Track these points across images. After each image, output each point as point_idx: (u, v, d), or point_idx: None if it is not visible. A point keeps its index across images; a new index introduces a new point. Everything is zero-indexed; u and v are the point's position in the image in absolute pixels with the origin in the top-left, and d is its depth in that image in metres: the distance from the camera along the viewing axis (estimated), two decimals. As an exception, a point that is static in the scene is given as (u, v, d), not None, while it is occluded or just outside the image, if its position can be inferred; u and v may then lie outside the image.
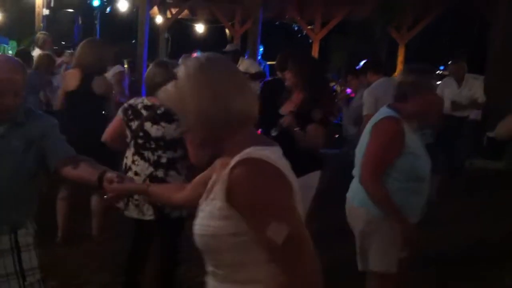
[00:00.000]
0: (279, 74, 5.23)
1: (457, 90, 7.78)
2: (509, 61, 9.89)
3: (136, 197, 3.40)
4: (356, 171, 3.20)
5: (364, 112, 5.36)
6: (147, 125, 3.42)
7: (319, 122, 3.91)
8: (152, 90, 3.43)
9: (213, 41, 19.30)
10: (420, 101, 3.01)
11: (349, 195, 3.25)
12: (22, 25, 12.98)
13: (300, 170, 3.89)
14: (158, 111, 3.42)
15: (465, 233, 5.64)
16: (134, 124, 3.46)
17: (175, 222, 3.50)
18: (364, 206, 3.06)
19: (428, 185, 3.09)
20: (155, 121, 3.42)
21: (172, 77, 3.56)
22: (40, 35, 8.66)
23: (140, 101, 3.52)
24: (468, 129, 8.20)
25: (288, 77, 4.17)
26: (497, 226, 5.67)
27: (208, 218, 1.61)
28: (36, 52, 8.21)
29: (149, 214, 3.45)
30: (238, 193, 1.52)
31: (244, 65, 8.64)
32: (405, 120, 2.99)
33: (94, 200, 4.82)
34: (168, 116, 3.37)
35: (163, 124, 3.41)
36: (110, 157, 4.27)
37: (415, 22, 14.19)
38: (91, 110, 4.71)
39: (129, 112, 3.51)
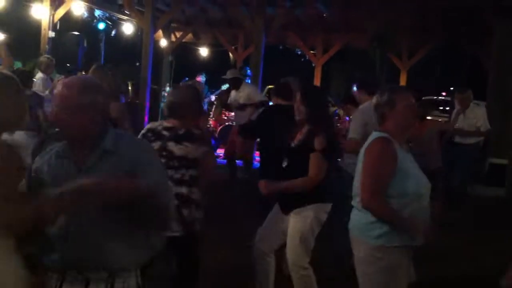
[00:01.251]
0: (277, 101, 5.18)
1: (463, 118, 7.88)
2: (508, 88, 9.98)
3: None
4: (355, 201, 3.20)
5: (349, 135, 5.16)
6: (170, 145, 3.57)
7: (320, 151, 3.92)
8: (168, 111, 3.66)
9: (217, 64, 19.41)
10: (398, 115, 3.06)
11: (350, 225, 3.25)
12: (27, 46, 13.11)
13: (300, 202, 3.96)
14: (180, 132, 3.60)
15: (466, 266, 5.63)
16: (157, 145, 3.56)
17: (196, 236, 3.68)
18: (363, 236, 3.07)
19: (427, 205, 3.09)
20: (178, 141, 3.57)
21: (188, 98, 3.68)
22: (43, 59, 8.74)
23: (158, 124, 3.70)
24: (469, 155, 8.26)
25: (299, 109, 4.09)
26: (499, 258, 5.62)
27: None
28: (39, 76, 8.31)
29: (177, 230, 3.53)
30: None
31: (246, 92, 8.63)
32: (395, 140, 3.04)
33: None
34: (189, 137, 3.59)
35: (185, 143, 3.58)
36: None
37: (414, 50, 14.36)
38: None
39: (149, 134, 3.65)
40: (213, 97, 13.77)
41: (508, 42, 10.15)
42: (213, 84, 14.97)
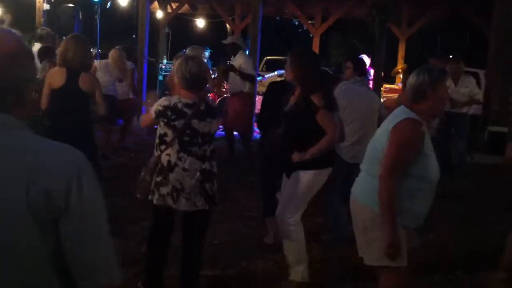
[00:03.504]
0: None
1: (454, 88, 7.86)
2: (508, 57, 9.90)
3: (187, 190, 3.56)
4: (365, 165, 3.23)
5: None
6: (194, 122, 3.57)
7: (323, 107, 3.97)
8: (187, 83, 3.60)
9: (214, 35, 19.27)
10: (436, 99, 3.08)
11: (354, 189, 3.29)
12: (22, 20, 12.94)
13: (309, 166, 4.01)
14: (201, 108, 3.61)
15: (465, 235, 5.64)
16: (180, 123, 3.54)
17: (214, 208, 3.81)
18: (371, 202, 3.09)
19: (434, 188, 3.13)
20: (201, 117, 3.59)
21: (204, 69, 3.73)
22: (43, 31, 8.60)
23: (177, 101, 3.59)
24: (467, 125, 8.27)
25: (286, 73, 4.28)
26: (498, 226, 5.64)
27: None
28: (36, 47, 8.18)
29: (201, 204, 3.63)
30: None
31: (239, 61, 8.52)
32: (424, 121, 3.04)
33: None
34: (211, 112, 3.65)
35: (208, 119, 3.62)
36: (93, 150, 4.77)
37: (413, 19, 14.22)
38: (78, 107, 4.77)
39: (169, 113, 3.56)
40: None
41: (508, 11, 10.05)
42: (212, 56, 14.85)
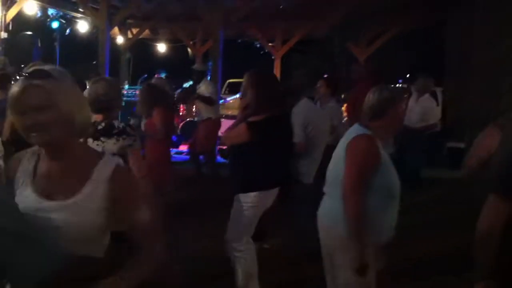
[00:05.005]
0: None
1: (412, 104, 8.05)
2: (464, 75, 10.19)
3: None
4: (328, 189, 3.26)
5: (296, 140, 5.00)
6: (89, 142, 3.43)
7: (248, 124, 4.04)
8: (91, 105, 3.49)
9: (176, 60, 19.28)
10: (395, 116, 3.15)
11: (320, 212, 3.29)
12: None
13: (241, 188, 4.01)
14: (99, 127, 3.49)
15: (424, 245, 5.73)
16: None
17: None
18: (336, 225, 3.09)
19: (397, 202, 3.16)
20: (95, 137, 3.46)
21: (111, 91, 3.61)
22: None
23: None
24: (422, 140, 8.42)
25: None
26: (456, 237, 5.75)
27: None
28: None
29: None
30: None
31: (203, 86, 8.78)
32: (378, 137, 3.09)
33: None
34: (107, 131, 3.48)
35: (102, 139, 3.47)
36: None
37: (373, 38, 14.53)
38: None
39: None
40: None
41: (462, 30, 10.37)
42: (173, 80, 14.84)
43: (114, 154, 3.39)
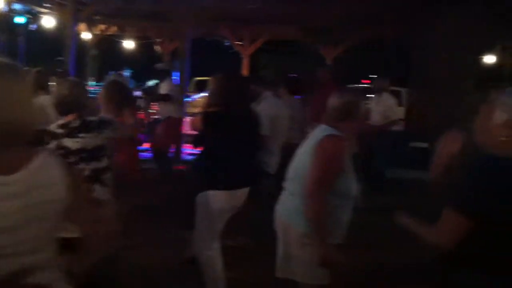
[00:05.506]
0: None
1: (373, 105, 8.22)
2: (427, 77, 10.40)
3: None
4: (289, 185, 3.29)
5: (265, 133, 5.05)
6: (65, 141, 3.38)
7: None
8: (60, 108, 3.47)
9: (143, 57, 19.12)
10: (360, 117, 3.25)
11: (280, 209, 3.33)
12: None
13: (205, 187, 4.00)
14: (74, 125, 3.41)
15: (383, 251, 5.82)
16: (53, 144, 3.39)
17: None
18: (293, 221, 3.15)
19: (352, 203, 3.23)
20: (71, 135, 3.39)
21: (79, 91, 3.55)
22: None
23: (53, 124, 3.46)
24: (389, 140, 8.56)
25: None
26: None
27: None
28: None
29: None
30: None
31: (164, 85, 8.94)
32: (345, 138, 3.16)
33: None
34: (84, 127, 3.41)
35: (80, 135, 3.39)
36: None
37: (341, 40, 14.69)
38: None
39: (45, 137, 3.43)
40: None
41: (430, 31, 10.55)
42: (140, 78, 14.75)
43: (102, 147, 3.43)
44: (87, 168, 3.38)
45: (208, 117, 4.05)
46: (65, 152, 3.36)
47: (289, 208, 3.24)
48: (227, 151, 4.03)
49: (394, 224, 2.60)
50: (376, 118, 8.20)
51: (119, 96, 5.63)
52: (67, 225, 1.84)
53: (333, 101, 3.27)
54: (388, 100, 8.47)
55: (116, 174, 3.65)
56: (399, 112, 8.55)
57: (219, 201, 4.02)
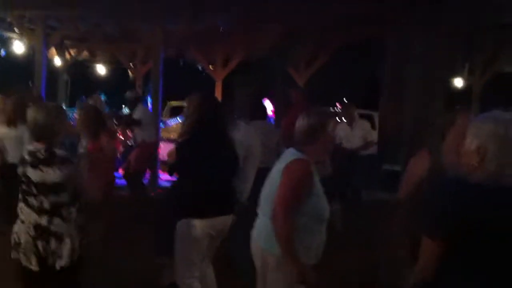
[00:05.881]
0: None
1: (350, 131, 8.33)
2: (399, 99, 10.52)
3: (22, 245, 3.35)
4: (262, 210, 3.30)
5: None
6: (29, 170, 3.35)
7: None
8: (33, 133, 3.44)
9: (115, 82, 19.04)
10: (327, 139, 3.27)
11: (254, 234, 3.35)
12: None
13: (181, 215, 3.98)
14: (40, 155, 3.36)
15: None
16: (20, 170, 3.40)
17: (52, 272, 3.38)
18: (267, 246, 3.18)
19: (325, 225, 3.24)
20: (34, 165, 3.34)
21: (54, 117, 3.51)
22: None
23: (27, 148, 3.47)
24: (363, 163, 8.67)
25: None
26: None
27: None
28: None
29: (34, 264, 3.35)
30: None
31: (136, 111, 9.05)
32: (312, 161, 3.17)
33: None
34: (48, 160, 3.34)
35: (42, 167, 3.33)
36: None
37: (311, 60, 14.80)
38: None
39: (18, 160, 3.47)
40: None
41: (400, 56, 10.71)
42: (113, 103, 14.65)
43: (57, 183, 3.32)
44: (45, 201, 3.34)
45: (182, 148, 4.02)
46: (27, 182, 3.34)
47: (262, 232, 3.26)
48: (203, 179, 4.00)
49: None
50: (355, 142, 8.34)
51: (96, 121, 5.64)
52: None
53: (299, 124, 3.29)
54: (364, 123, 8.64)
55: (90, 196, 3.60)
56: (375, 136, 8.74)
57: (195, 229, 3.97)
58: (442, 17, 8.39)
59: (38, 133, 3.42)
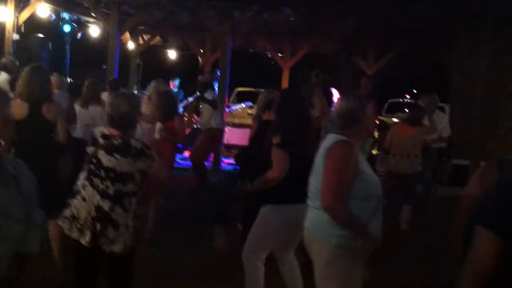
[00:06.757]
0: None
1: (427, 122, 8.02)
2: (468, 92, 10.24)
3: (80, 222, 3.38)
4: (312, 201, 3.24)
5: None
6: (101, 154, 3.38)
7: (278, 145, 4.04)
8: (113, 121, 3.47)
9: (186, 66, 19.38)
10: (367, 121, 3.19)
11: (308, 225, 3.28)
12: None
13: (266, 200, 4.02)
14: (115, 142, 3.40)
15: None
16: (90, 150, 3.44)
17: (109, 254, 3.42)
18: (324, 236, 3.10)
19: (381, 204, 3.17)
20: (108, 151, 3.38)
21: (135, 107, 3.59)
22: (6, 60, 8.61)
23: (100, 130, 3.52)
24: (433, 157, 8.42)
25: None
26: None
27: None
28: (2, 77, 8.15)
29: (87, 241, 3.38)
30: None
31: (209, 96, 9.29)
32: (355, 143, 3.13)
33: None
34: (123, 150, 3.37)
35: (116, 155, 3.37)
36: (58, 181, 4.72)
37: (380, 54, 14.60)
38: (43, 138, 4.67)
39: (89, 139, 3.53)
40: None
41: (469, 46, 10.42)
42: (183, 87, 14.93)
43: (131, 174, 3.38)
44: (111, 187, 3.37)
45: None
46: (97, 164, 3.39)
47: (317, 222, 3.18)
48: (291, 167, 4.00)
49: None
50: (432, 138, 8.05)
51: (172, 105, 5.83)
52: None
53: (337, 108, 3.23)
54: (442, 116, 8.33)
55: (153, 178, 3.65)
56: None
57: (276, 218, 4.04)
58: None
59: (116, 121, 3.45)
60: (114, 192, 3.37)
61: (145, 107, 6.12)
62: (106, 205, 3.36)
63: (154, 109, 5.82)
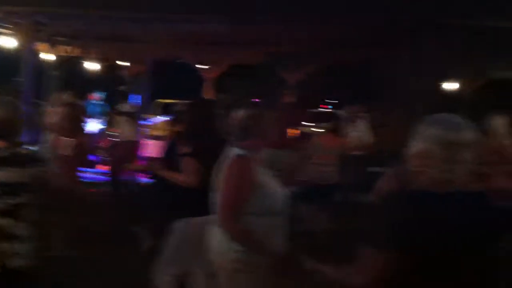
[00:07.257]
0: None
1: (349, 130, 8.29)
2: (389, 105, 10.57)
3: None
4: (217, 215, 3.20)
5: None
6: None
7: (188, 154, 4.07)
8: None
9: (108, 79, 18.93)
10: (261, 131, 3.16)
11: (211, 240, 3.25)
12: None
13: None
14: (2, 154, 3.18)
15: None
16: None
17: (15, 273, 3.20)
18: (225, 250, 3.08)
19: (283, 219, 3.14)
20: None
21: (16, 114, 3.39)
22: None
23: None
24: (354, 165, 8.62)
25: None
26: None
27: None
28: None
29: None
30: None
31: (125, 105, 9.60)
32: (254, 156, 3.08)
33: None
34: (11, 160, 3.17)
35: (7, 168, 3.16)
36: None
37: (302, 65, 14.83)
38: None
39: None
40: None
41: (392, 59, 10.76)
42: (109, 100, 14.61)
43: (24, 184, 3.16)
44: (7, 203, 3.15)
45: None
46: None
47: (217, 236, 3.15)
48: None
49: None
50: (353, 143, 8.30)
51: (79, 118, 5.69)
52: None
53: (234, 120, 3.20)
54: (362, 124, 8.58)
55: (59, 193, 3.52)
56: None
57: (187, 228, 4.05)
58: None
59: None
60: (11, 207, 3.15)
61: (50, 119, 5.97)
62: (4, 221, 3.14)
63: (60, 122, 5.68)
